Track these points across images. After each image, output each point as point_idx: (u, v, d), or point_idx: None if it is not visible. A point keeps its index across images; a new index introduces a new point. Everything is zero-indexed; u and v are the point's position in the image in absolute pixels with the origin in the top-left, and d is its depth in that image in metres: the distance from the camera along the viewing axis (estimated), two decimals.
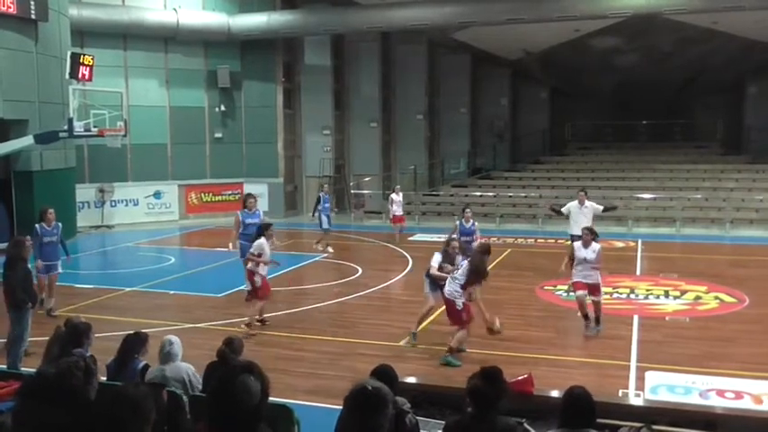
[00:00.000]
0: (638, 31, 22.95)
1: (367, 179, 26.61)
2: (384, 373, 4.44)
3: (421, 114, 28.09)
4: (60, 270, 11.87)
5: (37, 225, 11.67)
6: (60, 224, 11.99)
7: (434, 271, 9.65)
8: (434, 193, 26.78)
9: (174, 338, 6.18)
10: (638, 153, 27.84)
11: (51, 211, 11.88)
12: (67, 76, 18.35)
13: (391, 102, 28.42)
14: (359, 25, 24.00)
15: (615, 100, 30.53)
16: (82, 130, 18.79)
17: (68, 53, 18.56)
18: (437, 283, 9.55)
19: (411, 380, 6.53)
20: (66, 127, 18.17)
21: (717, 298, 12.61)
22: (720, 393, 7.85)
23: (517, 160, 29.66)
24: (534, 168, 28.10)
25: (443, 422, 4.14)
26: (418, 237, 20.57)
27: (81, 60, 18.61)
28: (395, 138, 28.67)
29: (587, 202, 13.95)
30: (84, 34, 22.34)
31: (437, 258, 9.77)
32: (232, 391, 2.64)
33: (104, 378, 5.87)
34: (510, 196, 24.86)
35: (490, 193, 25.20)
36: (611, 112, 30.63)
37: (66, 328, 5.92)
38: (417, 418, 4.47)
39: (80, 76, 18.53)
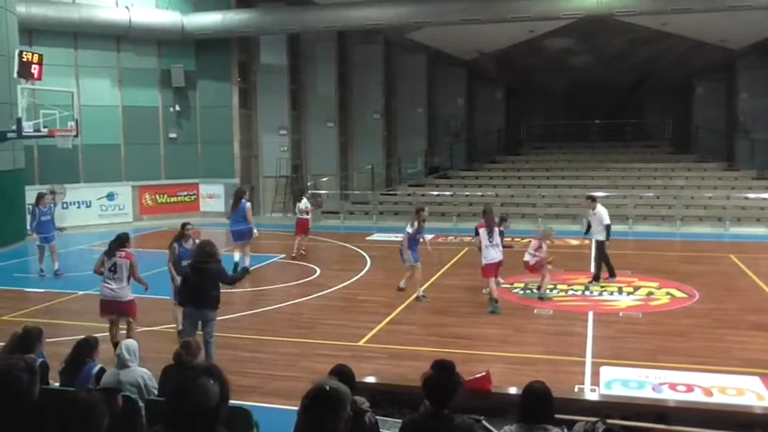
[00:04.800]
0: (590, 33, 23.34)
1: (324, 179, 26.52)
2: (342, 373, 4.45)
3: (378, 114, 28.08)
4: (56, 240, 15.24)
5: (35, 208, 15.00)
6: (53, 205, 15.89)
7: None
8: (392, 192, 26.83)
9: (131, 342, 6.10)
10: (592, 152, 28.33)
11: (47, 195, 15.72)
12: (15, 75, 17.91)
13: (348, 101, 28.36)
14: (315, 25, 23.89)
15: (568, 100, 31.05)
16: (31, 130, 18.40)
17: (16, 51, 18.11)
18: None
19: (370, 379, 6.53)
20: (14, 127, 17.75)
21: (668, 293, 12.90)
22: (672, 387, 8.03)
23: (473, 160, 29.89)
24: (490, 168, 28.34)
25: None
26: (376, 236, 20.60)
27: (30, 59, 18.19)
28: (352, 137, 28.61)
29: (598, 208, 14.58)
30: (33, 32, 21.84)
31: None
32: (191, 393, 2.61)
33: (57, 384, 5.76)
34: (467, 195, 25.04)
35: (447, 193, 25.37)
36: (565, 112, 31.16)
37: (20, 334, 5.80)
38: (377, 417, 4.48)
39: (29, 75, 18.11)
